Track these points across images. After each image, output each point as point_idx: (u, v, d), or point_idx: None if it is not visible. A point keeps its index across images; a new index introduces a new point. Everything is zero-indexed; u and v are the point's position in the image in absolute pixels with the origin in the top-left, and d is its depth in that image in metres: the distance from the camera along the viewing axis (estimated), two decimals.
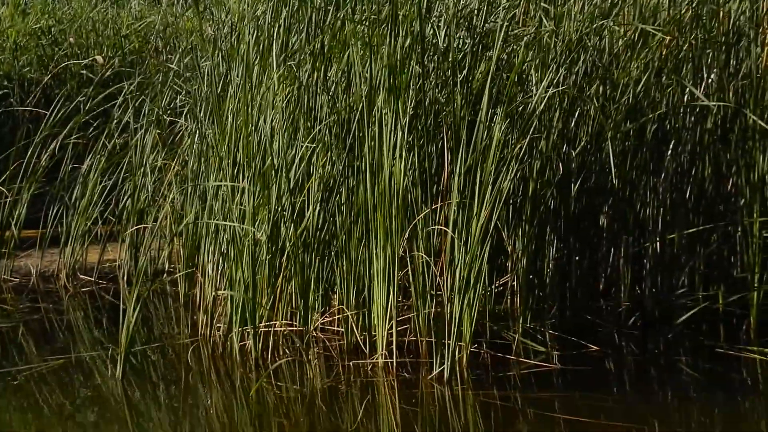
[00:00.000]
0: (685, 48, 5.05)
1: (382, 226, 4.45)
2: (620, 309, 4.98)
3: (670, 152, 5.01)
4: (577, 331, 4.71)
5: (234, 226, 4.70)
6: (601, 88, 4.90)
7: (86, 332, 5.41)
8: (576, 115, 4.86)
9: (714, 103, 4.93)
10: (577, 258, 4.89)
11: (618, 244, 5.02)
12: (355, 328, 4.57)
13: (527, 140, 4.47)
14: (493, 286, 4.82)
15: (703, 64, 5.08)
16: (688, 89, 4.98)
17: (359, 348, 4.56)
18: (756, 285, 4.81)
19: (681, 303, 4.93)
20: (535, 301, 4.78)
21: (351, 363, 4.51)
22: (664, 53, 5.02)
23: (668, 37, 4.97)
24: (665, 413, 4.00)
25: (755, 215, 4.82)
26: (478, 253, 4.25)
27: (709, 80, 5.07)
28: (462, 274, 4.27)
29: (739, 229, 4.92)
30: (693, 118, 5.05)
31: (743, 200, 4.89)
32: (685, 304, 4.90)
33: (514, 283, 4.84)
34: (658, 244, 5.01)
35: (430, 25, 4.72)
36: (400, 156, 4.43)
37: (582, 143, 4.83)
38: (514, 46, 4.80)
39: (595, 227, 4.99)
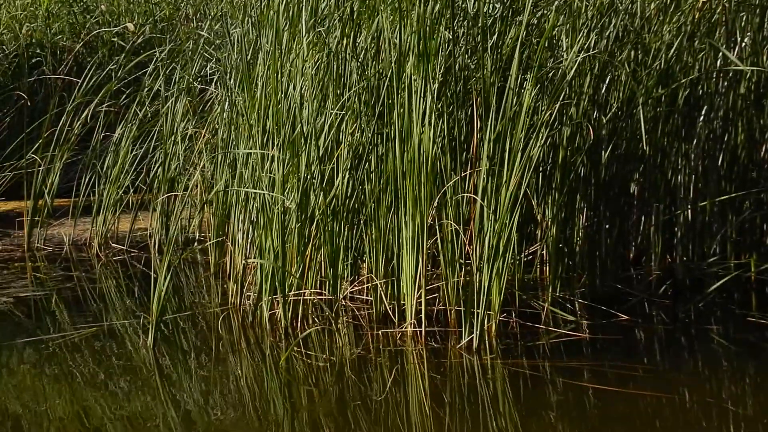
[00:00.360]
0: (718, 11, 4.98)
1: (411, 194, 4.43)
2: (651, 277, 4.95)
3: (702, 118, 4.96)
4: (607, 300, 4.68)
5: (263, 194, 4.70)
6: (632, 53, 4.84)
7: (118, 301, 5.43)
8: (607, 81, 4.80)
9: (748, 68, 4.86)
10: (607, 226, 4.85)
11: (649, 211, 4.98)
12: (384, 296, 4.56)
13: (557, 107, 4.43)
14: (522, 255, 4.79)
15: (737, 28, 5.01)
16: (721, 53, 4.92)
17: (388, 317, 4.55)
18: None
19: (712, 271, 4.89)
20: (565, 269, 4.75)
21: (380, 332, 4.51)
22: (697, 16, 4.95)
23: (701, 0, 4.89)
24: (696, 382, 3.98)
25: None
26: (507, 221, 4.22)
27: (743, 44, 5.01)
28: (491, 243, 4.24)
29: None
30: (726, 83, 4.99)
31: None
32: (717, 272, 4.86)
33: (544, 251, 4.81)
34: (689, 211, 4.96)
35: None
36: (430, 123, 4.40)
37: (613, 109, 4.78)
38: (545, 11, 4.75)
39: (626, 195, 4.95)
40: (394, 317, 4.53)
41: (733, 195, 4.92)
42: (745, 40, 4.99)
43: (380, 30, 4.69)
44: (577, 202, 4.75)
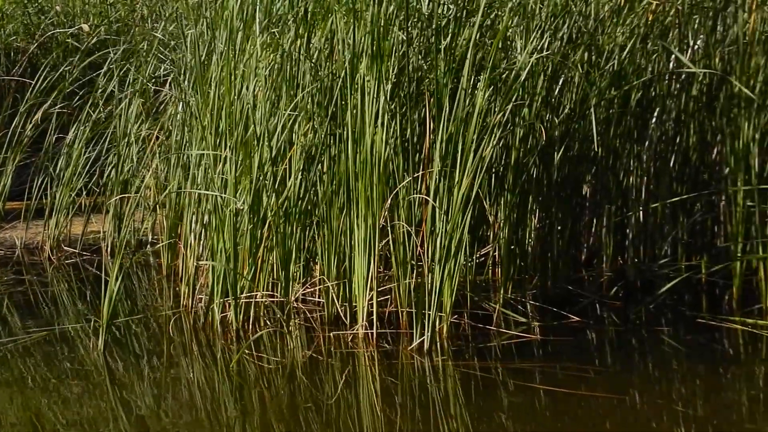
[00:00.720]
0: (671, 13, 5.00)
1: (363, 195, 4.41)
2: (602, 279, 4.96)
3: (654, 120, 4.98)
4: (559, 302, 4.69)
5: (216, 196, 4.67)
6: (585, 55, 4.85)
7: (70, 304, 5.39)
8: (560, 82, 4.81)
9: (700, 70, 4.89)
10: (559, 228, 4.86)
11: (600, 213, 4.99)
12: (335, 298, 4.55)
13: (510, 108, 4.43)
14: (474, 257, 4.79)
15: (690, 30, 5.03)
16: (673, 56, 4.94)
17: (340, 319, 4.54)
18: (739, 255, 4.78)
19: (663, 273, 4.90)
20: (517, 271, 4.75)
21: (331, 334, 4.49)
22: (650, 19, 4.97)
23: (654, 3, 4.91)
24: (646, 384, 3.98)
25: (739, 184, 4.78)
26: (459, 222, 4.22)
27: (695, 47, 5.03)
28: (443, 244, 4.24)
29: (723, 198, 4.89)
30: (678, 85, 5.01)
31: (727, 169, 4.85)
32: (668, 274, 4.88)
33: (496, 253, 4.81)
34: (641, 213, 4.98)
35: None
36: (382, 124, 4.39)
37: (565, 111, 4.79)
38: (499, 12, 4.75)
39: (578, 196, 4.96)
40: (346, 319, 4.52)
41: (685, 197, 4.94)
42: (698, 42, 5.02)
43: (334, 31, 4.68)
44: (530, 203, 4.76)
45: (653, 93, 5.00)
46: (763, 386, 3.97)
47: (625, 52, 4.85)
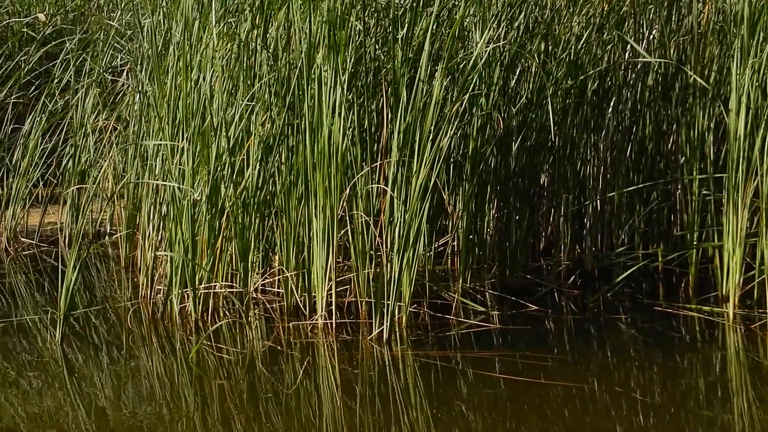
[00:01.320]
0: (627, 3, 5.03)
1: (321, 185, 4.41)
2: (560, 268, 4.99)
3: (610, 110, 5.01)
4: (517, 291, 4.71)
5: (173, 187, 4.65)
6: (542, 45, 4.87)
7: (27, 296, 5.35)
8: (517, 72, 4.83)
9: (655, 60, 4.92)
10: (517, 217, 4.88)
11: (558, 202, 5.02)
12: (294, 289, 4.55)
13: (467, 97, 4.44)
14: (433, 247, 4.80)
15: (645, 20, 5.07)
16: (629, 45, 4.97)
17: (299, 309, 4.54)
18: (695, 243, 4.83)
19: (621, 261, 4.94)
20: (475, 261, 4.77)
21: (291, 324, 4.49)
22: (606, 9, 4.99)
23: None
24: (605, 371, 4.01)
25: (695, 173, 4.82)
26: (417, 212, 4.23)
27: (651, 37, 5.06)
28: (401, 234, 4.25)
29: (679, 187, 4.93)
30: (634, 75, 5.04)
31: (683, 158, 4.89)
32: (625, 262, 4.92)
33: (455, 243, 4.83)
34: (598, 202, 5.02)
35: None
36: (340, 114, 4.39)
37: (523, 100, 4.81)
38: (455, 2, 4.75)
39: (536, 186, 4.98)
40: (305, 309, 4.51)
41: (641, 186, 4.98)
42: (653, 32, 5.05)
43: (291, 20, 4.67)
44: (488, 193, 4.78)
45: (609, 83, 5.03)
46: (720, 373, 4.01)
47: (581, 42, 4.87)
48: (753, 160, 4.43)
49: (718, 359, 4.16)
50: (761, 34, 4.46)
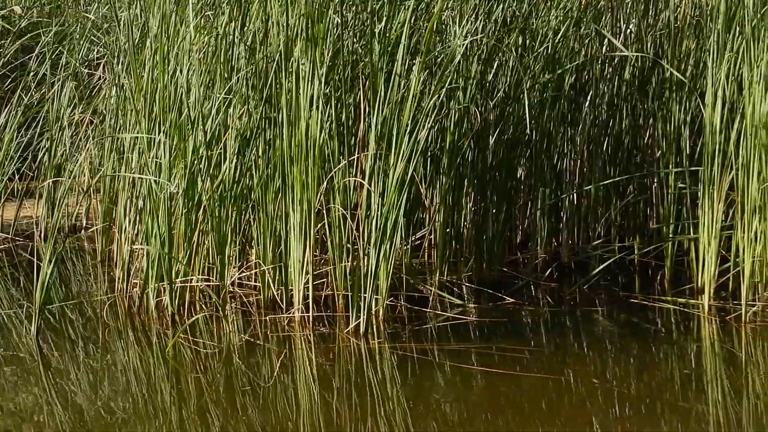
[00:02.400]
0: None
1: (298, 179, 4.41)
2: (537, 261, 5.01)
3: (587, 103, 5.02)
4: (494, 284, 4.73)
5: (150, 180, 4.64)
6: (519, 38, 4.88)
7: (2, 290, 5.33)
8: (494, 66, 4.84)
9: (632, 54, 4.94)
10: (494, 210, 4.89)
11: (535, 196, 5.03)
12: (271, 282, 4.54)
13: (444, 91, 4.44)
14: (410, 240, 4.81)
15: (622, 14, 5.08)
16: (606, 39, 4.98)
17: (276, 303, 4.54)
18: (671, 236, 4.85)
19: (597, 254, 4.96)
20: (452, 254, 4.78)
21: (268, 318, 4.49)
22: (583, 3, 5.01)
23: None
24: (581, 363, 4.03)
25: (671, 166, 4.85)
26: (394, 205, 4.23)
27: (628, 31, 5.08)
28: (378, 227, 4.25)
29: (655, 180, 4.95)
30: (611, 69, 5.06)
31: (659, 151, 4.91)
32: (601, 255, 4.94)
33: (431, 236, 4.83)
34: (574, 195, 5.03)
35: None
36: (317, 108, 4.39)
37: (500, 94, 4.81)
38: None
39: (512, 179, 4.99)
40: (282, 303, 4.51)
41: (618, 179, 5.00)
42: (630, 26, 5.07)
43: (268, 13, 4.66)
44: (465, 186, 4.79)
45: (586, 76, 5.05)
46: (695, 364, 4.04)
47: (558, 36, 4.88)
48: (728, 154, 4.45)
49: (693, 350, 4.18)
50: (737, 29, 4.48)
